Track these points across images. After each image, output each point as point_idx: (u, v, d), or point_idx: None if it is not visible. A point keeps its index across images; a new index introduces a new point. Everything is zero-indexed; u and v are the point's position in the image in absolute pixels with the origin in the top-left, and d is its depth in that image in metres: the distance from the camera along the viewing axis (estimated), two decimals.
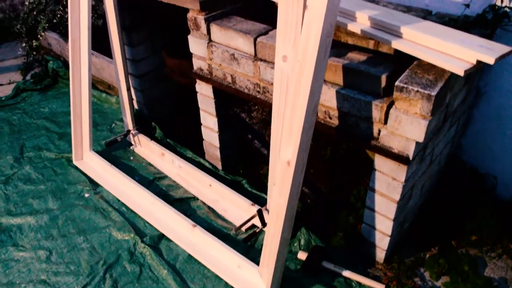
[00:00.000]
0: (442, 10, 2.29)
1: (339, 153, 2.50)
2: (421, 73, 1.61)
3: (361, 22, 1.76)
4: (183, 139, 3.16)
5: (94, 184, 2.84)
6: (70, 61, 2.76)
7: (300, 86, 1.56)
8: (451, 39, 1.54)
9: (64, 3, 4.31)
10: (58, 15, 4.27)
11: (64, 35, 4.14)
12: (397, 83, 1.57)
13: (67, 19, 2.81)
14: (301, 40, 1.53)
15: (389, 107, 1.67)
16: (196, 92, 2.54)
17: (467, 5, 2.21)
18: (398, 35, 1.65)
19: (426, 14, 2.18)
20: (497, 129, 2.40)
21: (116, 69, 2.88)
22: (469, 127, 2.50)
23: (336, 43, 1.90)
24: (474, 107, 2.42)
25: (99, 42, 3.37)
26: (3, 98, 4.13)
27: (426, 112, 1.55)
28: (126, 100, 2.95)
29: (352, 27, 1.75)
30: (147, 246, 2.35)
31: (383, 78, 1.66)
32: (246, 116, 2.51)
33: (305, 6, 1.53)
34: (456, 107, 2.02)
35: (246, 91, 2.17)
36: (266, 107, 2.17)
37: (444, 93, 1.62)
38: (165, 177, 2.88)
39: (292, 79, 1.66)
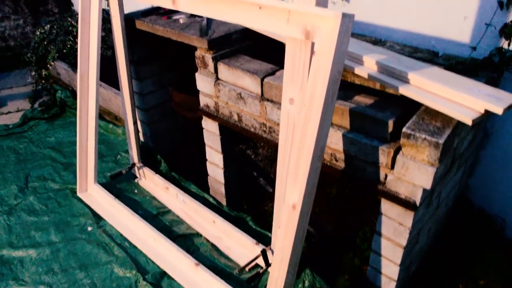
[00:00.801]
0: (448, 52, 2.30)
1: (345, 192, 2.48)
2: (428, 119, 1.60)
3: (368, 66, 1.77)
4: (188, 173, 3.15)
5: (97, 218, 2.82)
6: (78, 95, 2.78)
7: (306, 131, 1.55)
8: (458, 87, 1.54)
9: (74, 33, 4.38)
10: (68, 45, 4.34)
11: (73, 65, 4.20)
12: (404, 129, 1.56)
13: (76, 49, 2.85)
14: (308, 84, 1.53)
15: (396, 152, 1.65)
16: (202, 127, 2.54)
17: (474, 48, 2.22)
18: (405, 81, 1.65)
19: (432, 56, 2.19)
20: (504, 170, 2.38)
21: (123, 103, 2.90)
22: (477, 168, 2.48)
23: (343, 83, 1.89)
24: (481, 148, 2.40)
25: (108, 72, 3.39)
26: (10, 126, 4.15)
27: (434, 159, 1.54)
28: (132, 133, 2.96)
29: (359, 71, 1.76)
30: (148, 284, 2.31)
31: (390, 123, 1.65)
32: (251, 152, 2.51)
33: (312, 51, 1.54)
34: (464, 150, 2.01)
35: (252, 130, 2.17)
36: (271, 147, 2.16)
37: (451, 140, 1.61)
38: (168, 211, 2.86)
39: (299, 123, 1.66)
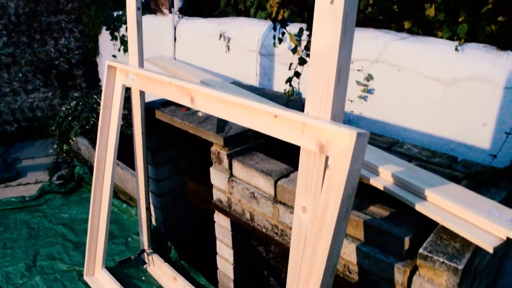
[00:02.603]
0: (468, 157, 2.26)
1: None
2: (447, 239, 1.53)
3: (384, 178, 1.73)
4: (199, 261, 3.07)
5: None
6: (94, 178, 2.79)
7: (318, 246, 1.49)
8: (478, 209, 1.48)
9: (98, 111, 4.50)
10: (91, 122, 4.45)
11: (94, 142, 4.26)
12: (421, 250, 1.48)
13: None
14: (321, 197, 1.50)
15: (413, 271, 1.57)
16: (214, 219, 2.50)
17: (494, 156, 2.18)
18: (422, 197, 1.60)
19: (451, 162, 2.14)
20: None
21: (138, 188, 2.89)
22: (500, 279, 2.34)
23: (359, 185, 1.86)
24: (506, 258, 2.28)
25: (127, 151, 3.41)
26: (27, 198, 4.19)
27: (453, 284, 1.45)
28: (144, 219, 2.93)
29: (375, 182, 1.72)
30: None
31: (407, 240, 1.58)
32: (263, 249, 2.43)
33: (326, 165, 1.51)
34: (486, 264, 1.90)
35: (264, 230, 2.11)
36: (283, 249, 2.10)
37: (472, 262, 1.52)
38: None
39: (311, 234, 1.60)
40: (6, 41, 5.49)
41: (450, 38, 2.43)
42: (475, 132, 2.25)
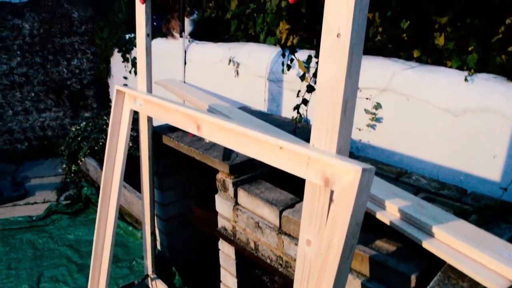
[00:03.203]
0: (478, 189, 2.22)
1: None
2: (454, 278, 1.48)
3: (390, 212, 1.70)
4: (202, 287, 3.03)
5: None
6: (99, 201, 2.78)
7: (322, 281, 1.46)
8: (487, 248, 1.44)
9: (107, 132, 4.53)
10: (100, 143, 4.47)
11: (102, 163, 4.27)
12: None
13: None
14: (326, 232, 1.47)
15: None
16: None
17: (505, 189, 2.13)
18: (430, 234, 1.56)
19: (461, 194, 2.10)
20: None
21: (143, 212, 2.88)
22: None
23: (365, 216, 1.82)
24: None
25: (135, 173, 3.41)
26: (34, 218, 4.20)
27: None
28: (148, 244, 2.90)
29: (381, 216, 1.69)
30: None
31: (413, 278, 1.54)
32: (267, 279, 2.39)
33: (331, 199, 1.49)
34: None
35: (268, 261, 2.08)
36: (288, 281, 2.06)
37: None
38: None
39: (315, 268, 1.57)
40: (20, 61, 5.58)
41: (460, 68, 2.41)
42: (485, 164, 2.21)
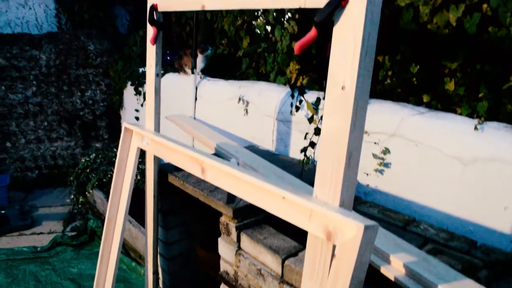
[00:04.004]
0: (488, 241, 2.15)
1: None
2: None
3: (395, 267, 1.65)
4: None
5: None
6: (103, 239, 2.76)
7: None
8: None
9: None
10: (109, 175, 4.47)
11: (109, 196, 4.28)
12: None
13: None
14: (327, 287, 1.42)
15: None
16: None
17: None
18: None
19: (470, 246, 2.04)
20: None
21: (146, 251, 2.85)
22: None
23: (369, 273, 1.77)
24: None
25: (141, 206, 3.39)
26: (38, 249, 4.18)
27: None
28: (150, 283, 2.86)
29: (386, 271, 1.64)
30: None
31: None
32: None
33: (333, 254, 1.45)
34: None
35: None
36: None
37: None
38: None
39: None
40: (35, 91, 5.68)
41: (470, 115, 2.38)
42: (495, 215, 2.15)
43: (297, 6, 1.53)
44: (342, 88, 1.38)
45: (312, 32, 1.41)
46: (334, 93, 1.40)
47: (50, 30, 6.22)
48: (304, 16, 3.36)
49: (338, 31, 1.37)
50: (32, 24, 6.26)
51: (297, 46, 1.42)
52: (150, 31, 2.33)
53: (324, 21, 1.36)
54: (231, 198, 2.20)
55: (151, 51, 2.40)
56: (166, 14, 2.33)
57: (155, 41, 2.32)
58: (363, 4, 1.28)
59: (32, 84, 5.66)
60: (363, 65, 1.34)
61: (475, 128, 2.22)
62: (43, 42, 5.61)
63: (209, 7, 1.90)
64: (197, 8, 1.95)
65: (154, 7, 2.27)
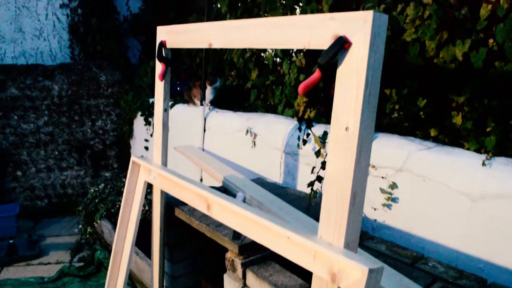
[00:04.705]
0: (498, 279, 2.11)
1: None
2: None
3: None
4: None
5: None
6: (108, 272, 2.74)
7: None
8: None
9: None
10: (117, 206, 4.47)
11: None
12: None
13: None
14: None
15: None
16: None
17: None
18: None
19: (480, 285, 2.00)
20: None
21: (152, 284, 2.82)
22: None
23: None
24: None
25: (149, 237, 3.37)
26: (45, 279, 4.16)
27: None
28: None
29: None
30: None
31: None
32: None
33: None
34: None
35: None
36: None
37: None
38: None
39: None
40: (47, 120, 5.76)
41: (478, 149, 2.37)
42: (506, 253, 2.11)
43: (301, 47, 1.55)
44: (346, 129, 1.39)
45: (316, 74, 1.43)
46: (338, 133, 1.41)
47: (63, 60, 6.35)
48: (311, 50, 3.40)
49: (342, 72, 1.38)
50: (46, 55, 6.39)
51: (301, 87, 1.43)
52: (159, 67, 2.37)
53: (327, 63, 1.38)
54: (237, 235, 2.18)
55: (159, 87, 2.43)
56: (175, 50, 2.37)
57: (163, 77, 2.35)
58: (365, 47, 1.30)
59: (44, 114, 5.75)
60: (366, 106, 1.35)
61: (483, 163, 2.20)
62: (56, 73, 5.72)
63: (216, 45, 1.94)
64: (205, 46, 1.99)
65: (163, 44, 2.31)
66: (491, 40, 2.41)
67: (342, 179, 1.41)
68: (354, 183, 1.40)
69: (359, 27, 1.31)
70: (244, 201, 2.62)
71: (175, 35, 2.27)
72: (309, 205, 2.67)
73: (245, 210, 1.73)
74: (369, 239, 2.48)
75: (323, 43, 1.42)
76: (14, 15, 6.14)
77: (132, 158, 2.60)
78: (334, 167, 1.43)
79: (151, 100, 5.17)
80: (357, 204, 1.43)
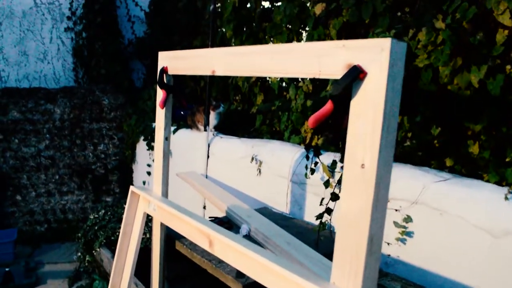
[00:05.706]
0: None
1: None
2: None
3: None
4: None
5: None
6: None
7: None
8: None
9: None
10: (117, 233, 4.33)
11: None
12: None
13: None
14: None
15: None
16: None
17: None
18: None
19: None
20: None
21: None
22: None
23: None
24: None
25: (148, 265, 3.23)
26: None
27: None
28: None
29: None
30: None
31: None
32: None
33: None
34: None
35: None
36: None
37: None
38: None
39: None
40: (48, 144, 5.67)
41: (498, 181, 2.23)
42: None
43: (311, 76, 1.43)
44: (362, 166, 1.26)
45: (328, 105, 1.31)
46: (353, 171, 1.28)
47: (67, 83, 6.30)
48: None
49: (356, 104, 1.26)
50: (49, 78, 6.35)
51: (311, 120, 1.31)
52: (160, 93, 2.27)
53: (340, 95, 1.26)
54: (241, 273, 2.03)
55: (160, 114, 2.33)
56: (177, 76, 2.27)
57: (164, 104, 2.24)
58: (383, 77, 1.18)
59: (45, 138, 5.66)
60: (384, 141, 1.22)
61: (506, 198, 2.06)
62: (58, 96, 5.65)
63: (219, 72, 1.83)
64: (208, 73, 1.88)
65: (164, 70, 2.21)
66: (508, 66, 2.30)
67: (358, 220, 1.28)
68: (372, 225, 1.26)
69: (375, 56, 1.19)
70: (248, 234, 2.49)
71: (177, 61, 2.16)
72: (318, 239, 2.52)
73: (249, 250, 1.59)
74: (383, 276, 2.32)
75: (335, 72, 1.31)
76: (19, 38, 6.12)
77: (131, 188, 2.47)
78: (349, 207, 1.30)
79: (154, 125, 5.07)
80: (374, 248, 1.29)
